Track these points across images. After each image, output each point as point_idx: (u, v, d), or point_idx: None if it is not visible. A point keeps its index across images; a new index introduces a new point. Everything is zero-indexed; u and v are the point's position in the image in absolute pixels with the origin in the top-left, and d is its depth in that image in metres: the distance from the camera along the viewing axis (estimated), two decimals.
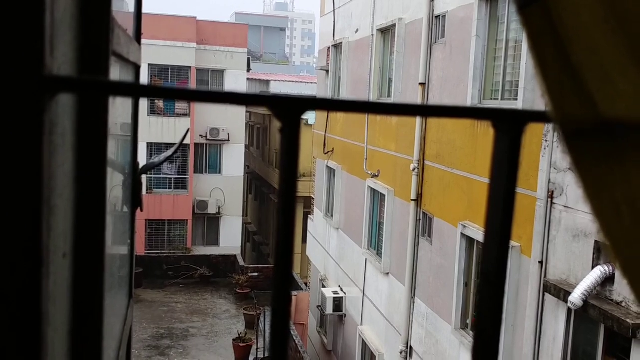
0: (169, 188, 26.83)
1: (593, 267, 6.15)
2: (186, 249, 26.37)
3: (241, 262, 24.20)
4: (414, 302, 10.83)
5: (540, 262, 7.04)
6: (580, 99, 0.47)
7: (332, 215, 16.01)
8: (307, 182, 21.58)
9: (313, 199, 18.64)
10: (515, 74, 8.08)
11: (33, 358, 0.59)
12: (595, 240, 6.20)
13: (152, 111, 25.84)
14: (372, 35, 13.01)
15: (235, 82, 27.17)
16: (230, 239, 27.79)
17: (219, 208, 27.38)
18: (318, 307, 16.02)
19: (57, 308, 0.76)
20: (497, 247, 0.53)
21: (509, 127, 0.52)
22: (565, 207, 6.69)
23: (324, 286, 16.08)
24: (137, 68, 2.07)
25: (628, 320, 5.57)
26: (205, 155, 27.61)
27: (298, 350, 15.41)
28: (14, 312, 0.57)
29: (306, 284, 20.38)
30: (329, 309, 14.77)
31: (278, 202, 0.48)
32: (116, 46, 1.17)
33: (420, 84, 10.50)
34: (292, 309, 18.08)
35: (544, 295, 6.96)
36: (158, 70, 26.38)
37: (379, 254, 12.67)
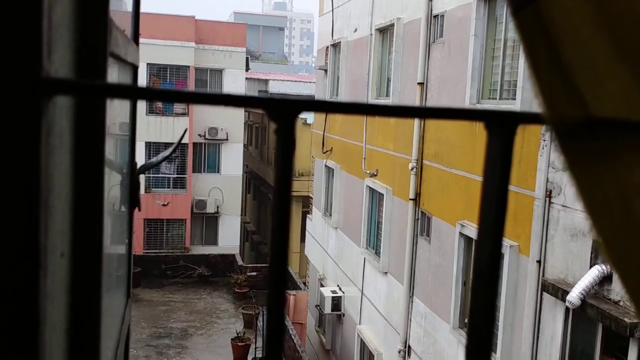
0: (168, 187, 26.82)
1: (591, 266, 6.15)
2: (184, 249, 26.33)
3: (240, 262, 24.16)
4: (412, 302, 10.84)
5: (538, 262, 7.04)
6: (572, 100, 0.47)
7: (330, 215, 16.00)
8: (305, 182, 21.54)
9: (311, 198, 18.62)
10: (513, 73, 8.09)
11: (31, 358, 0.59)
12: (593, 240, 6.20)
13: (151, 110, 25.80)
14: (371, 34, 13.01)
15: (234, 81, 27.14)
16: (229, 238, 27.75)
17: (218, 207, 27.35)
18: (316, 306, 16.02)
19: (54, 307, 0.77)
20: (490, 245, 0.54)
21: (501, 128, 0.53)
22: (563, 206, 6.70)
23: (322, 285, 16.08)
24: (134, 68, 2.07)
25: (626, 319, 5.57)
26: (204, 154, 27.59)
27: (296, 350, 15.40)
28: (11, 312, 0.58)
29: (305, 283, 20.36)
30: (328, 309, 14.77)
31: (273, 203, 0.48)
32: (114, 47, 1.17)
33: (418, 83, 10.49)
34: (290, 309, 18.07)
35: (542, 294, 6.96)
36: (157, 70, 26.34)
37: (377, 253, 12.67)
